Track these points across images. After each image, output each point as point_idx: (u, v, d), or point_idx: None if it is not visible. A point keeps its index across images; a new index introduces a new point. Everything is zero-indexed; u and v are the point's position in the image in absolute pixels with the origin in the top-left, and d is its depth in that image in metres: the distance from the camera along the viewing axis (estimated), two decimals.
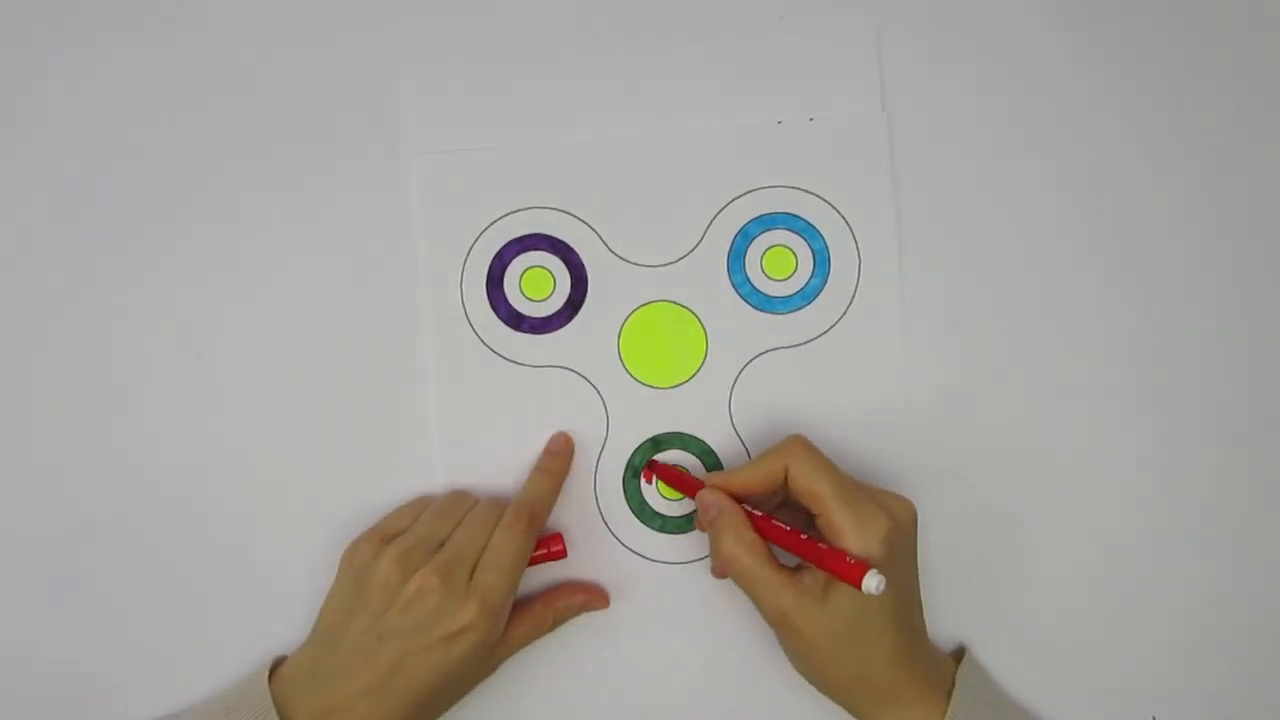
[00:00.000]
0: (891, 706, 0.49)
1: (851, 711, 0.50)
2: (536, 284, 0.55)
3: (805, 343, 0.55)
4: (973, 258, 0.55)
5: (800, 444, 0.50)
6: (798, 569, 0.48)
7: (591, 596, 0.54)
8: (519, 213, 0.55)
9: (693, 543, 0.55)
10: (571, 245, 0.55)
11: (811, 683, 0.50)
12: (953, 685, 0.50)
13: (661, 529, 0.55)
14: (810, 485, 0.49)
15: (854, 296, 0.55)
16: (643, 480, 0.55)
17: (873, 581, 0.44)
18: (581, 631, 0.55)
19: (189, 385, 0.54)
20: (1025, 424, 0.55)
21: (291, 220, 0.54)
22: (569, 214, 0.55)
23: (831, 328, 0.55)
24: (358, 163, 0.54)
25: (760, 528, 0.49)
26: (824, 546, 0.47)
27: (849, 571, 0.45)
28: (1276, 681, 0.56)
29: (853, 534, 0.47)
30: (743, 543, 0.49)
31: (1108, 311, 0.56)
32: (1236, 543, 0.56)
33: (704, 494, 0.51)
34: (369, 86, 0.55)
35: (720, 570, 0.52)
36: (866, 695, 0.49)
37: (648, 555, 0.55)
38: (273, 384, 0.54)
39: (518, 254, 0.55)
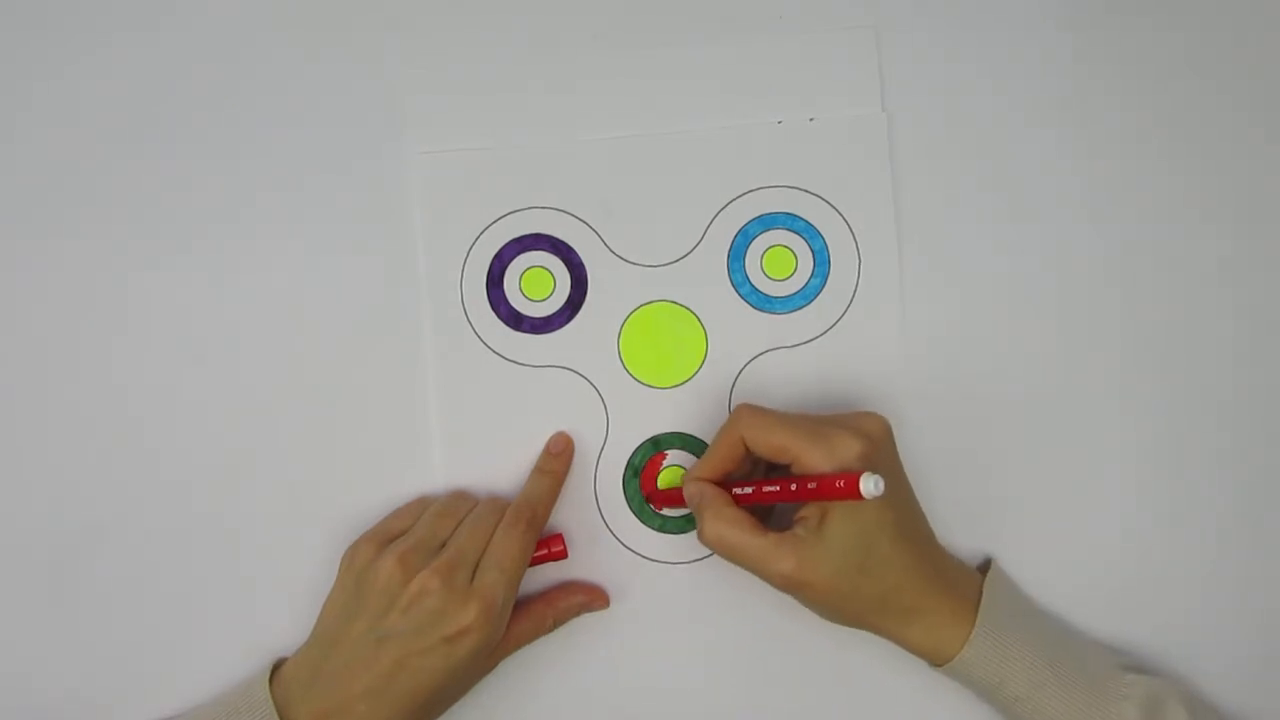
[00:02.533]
0: (919, 620, 0.49)
1: (886, 636, 0.49)
2: (536, 284, 0.55)
3: (805, 343, 0.55)
4: (973, 257, 0.55)
5: (746, 410, 0.50)
6: (786, 528, 0.48)
7: (592, 597, 0.54)
8: (519, 213, 0.55)
9: (693, 543, 0.55)
10: (571, 245, 0.55)
11: (841, 623, 0.50)
12: (980, 596, 0.50)
13: (661, 529, 0.55)
14: (769, 440, 0.48)
15: (854, 296, 0.55)
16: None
17: (869, 483, 0.43)
18: (581, 631, 0.55)
19: (189, 385, 0.54)
20: (1025, 424, 0.55)
21: (291, 220, 0.54)
22: (569, 214, 0.55)
23: (831, 328, 0.55)
24: (358, 163, 0.54)
25: (742, 499, 0.49)
26: (809, 478, 0.46)
27: (845, 487, 0.44)
28: (1277, 683, 0.56)
29: (826, 465, 0.47)
30: (723, 519, 0.48)
31: (1108, 311, 0.56)
32: (1238, 544, 0.56)
33: (686, 488, 0.51)
34: (369, 86, 0.55)
35: (713, 547, 0.51)
36: (894, 615, 0.49)
37: (648, 555, 0.55)
38: (272, 384, 0.54)
39: (518, 254, 0.55)
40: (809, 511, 0.48)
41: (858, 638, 0.51)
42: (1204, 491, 0.56)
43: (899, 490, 0.49)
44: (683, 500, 0.53)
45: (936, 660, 0.50)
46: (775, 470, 0.51)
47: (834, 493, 0.45)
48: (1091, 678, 0.49)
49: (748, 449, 0.49)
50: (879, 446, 0.48)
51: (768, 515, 0.52)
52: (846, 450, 0.47)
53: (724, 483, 0.51)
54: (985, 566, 0.53)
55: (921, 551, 0.49)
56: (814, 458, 0.47)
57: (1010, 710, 0.50)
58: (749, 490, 0.49)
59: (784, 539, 0.47)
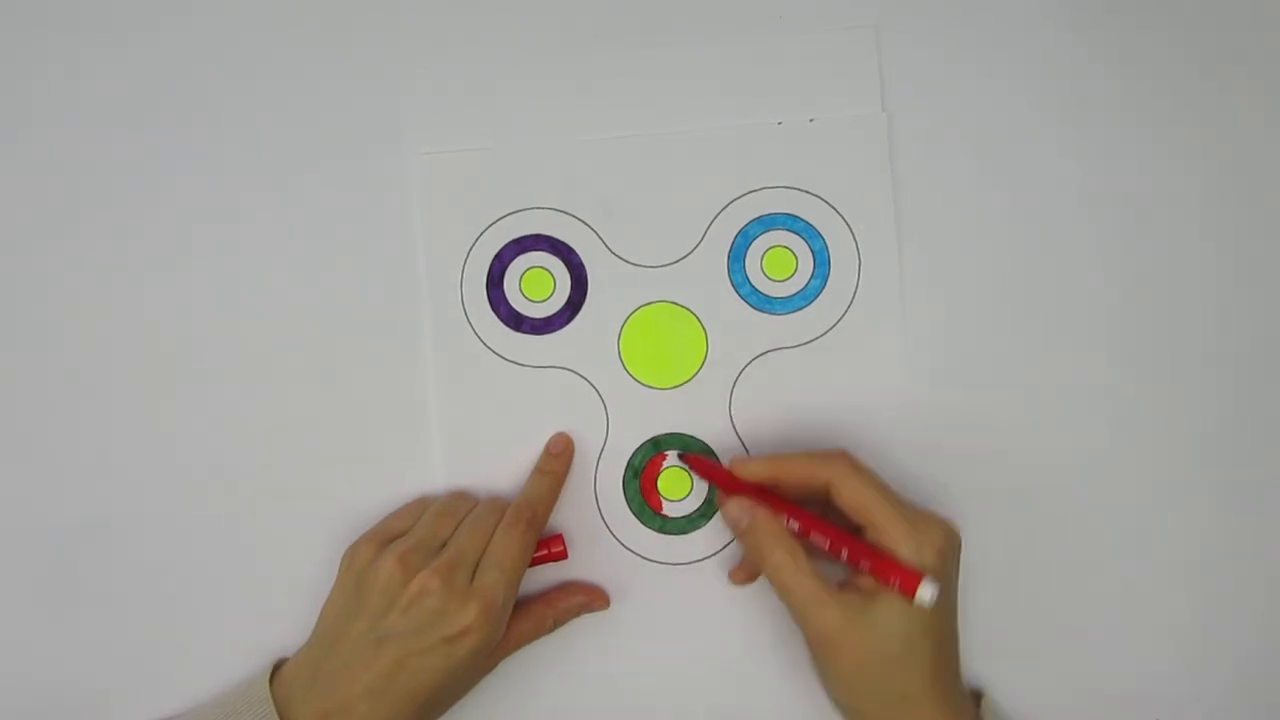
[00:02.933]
0: None
1: None
2: (536, 284, 0.55)
3: (805, 343, 0.55)
4: (973, 258, 0.55)
5: (847, 459, 0.49)
6: (840, 585, 0.48)
7: (592, 597, 0.54)
8: (519, 213, 0.55)
9: (693, 543, 0.55)
10: (571, 245, 0.55)
11: (846, 708, 0.49)
12: None
13: (661, 529, 0.55)
14: (859, 497, 0.48)
15: (854, 296, 0.55)
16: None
17: (928, 592, 0.43)
18: (581, 631, 0.55)
19: (189, 385, 0.54)
20: (1025, 424, 0.55)
21: (291, 220, 0.54)
22: (569, 214, 0.55)
23: (831, 328, 0.55)
24: (358, 163, 0.54)
25: (805, 529, 0.48)
26: (878, 551, 0.46)
27: (904, 578, 0.44)
28: (1277, 682, 0.56)
29: (907, 541, 0.46)
30: (789, 552, 0.48)
31: (1109, 311, 0.56)
32: (1237, 544, 0.56)
33: (731, 506, 0.50)
34: (369, 86, 0.54)
35: (743, 576, 0.51)
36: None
37: (648, 555, 0.55)
38: (272, 384, 0.54)
39: (518, 254, 0.55)
40: (867, 581, 0.47)
41: None
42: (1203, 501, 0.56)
43: (952, 601, 0.49)
44: (710, 471, 0.53)
45: None
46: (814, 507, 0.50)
47: (893, 573, 0.45)
48: None
49: (820, 491, 0.49)
50: (954, 546, 0.48)
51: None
52: (931, 535, 0.47)
53: (772, 497, 0.50)
54: (978, 695, 0.53)
55: (947, 668, 0.48)
56: (897, 528, 0.47)
57: None
58: (795, 525, 0.49)
59: (837, 596, 0.47)
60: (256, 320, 0.54)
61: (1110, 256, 0.56)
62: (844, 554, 0.47)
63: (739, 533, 0.50)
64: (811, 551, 0.48)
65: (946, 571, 0.47)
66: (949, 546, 0.47)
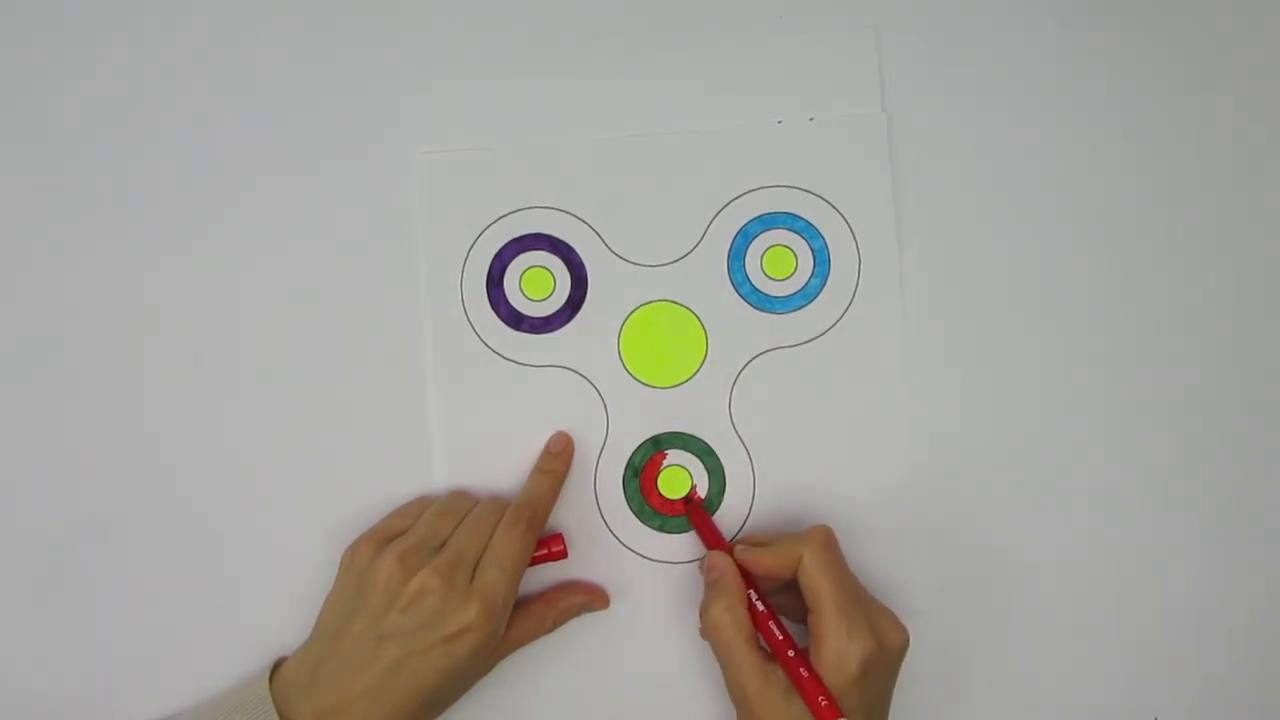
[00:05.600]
0: None
1: None
2: (536, 284, 0.55)
3: (805, 343, 0.55)
4: (973, 257, 0.55)
5: (822, 536, 0.50)
6: (773, 659, 0.49)
7: (592, 597, 0.54)
8: (519, 213, 0.55)
9: (693, 543, 0.55)
10: (571, 245, 0.55)
11: None
12: None
13: (661, 529, 0.55)
14: (814, 582, 0.49)
15: (854, 296, 0.55)
16: (644, 481, 0.55)
17: None
18: (581, 631, 0.55)
19: (189, 385, 0.54)
20: (1025, 424, 0.55)
21: (291, 220, 0.54)
22: (569, 214, 0.55)
23: (831, 328, 0.55)
24: (358, 163, 0.54)
25: (757, 619, 0.49)
26: (804, 674, 0.47)
27: (819, 711, 0.46)
28: (1277, 683, 0.56)
29: (834, 643, 0.47)
30: (731, 614, 0.49)
31: (1107, 312, 0.56)
32: (1236, 544, 0.56)
33: (713, 556, 0.51)
34: (369, 86, 0.55)
35: (705, 632, 0.52)
36: None
37: (648, 555, 0.55)
38: (272, 384, 0.54)
39: (518, 254, 0.55)
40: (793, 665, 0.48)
41: None
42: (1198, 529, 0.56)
43: (879, 705, 0.49)
44: (706, 529, 0.53)
45: None
46: (791, 589, 0.51)
47: (812, 703, 0.46)
48: None
49: (795, 568, 0.49)
50: (886, 659, 0.48)
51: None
52: (859, 645, 0.47)
53: (745, 569, 0.51)
54: None
55: None
56: (832, 626, 0.47)
57: None
58: (762, 609, 0.50)
59: (765, 666, 0.48)
60: (256, 320, 0.54)
61: (1109, 256, 0.56)
62: (790, 654, 0.48)
63: (708, 582, 0.51)
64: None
65: (868, 681, 0.47)
66: (879, 656, 0.48)
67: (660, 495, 0.55)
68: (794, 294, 0.55)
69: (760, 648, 0.49)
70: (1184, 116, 0.56)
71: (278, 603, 0.53)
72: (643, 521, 0.55)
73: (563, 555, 0.54)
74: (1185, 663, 0.56)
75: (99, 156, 0.54)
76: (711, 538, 0.53)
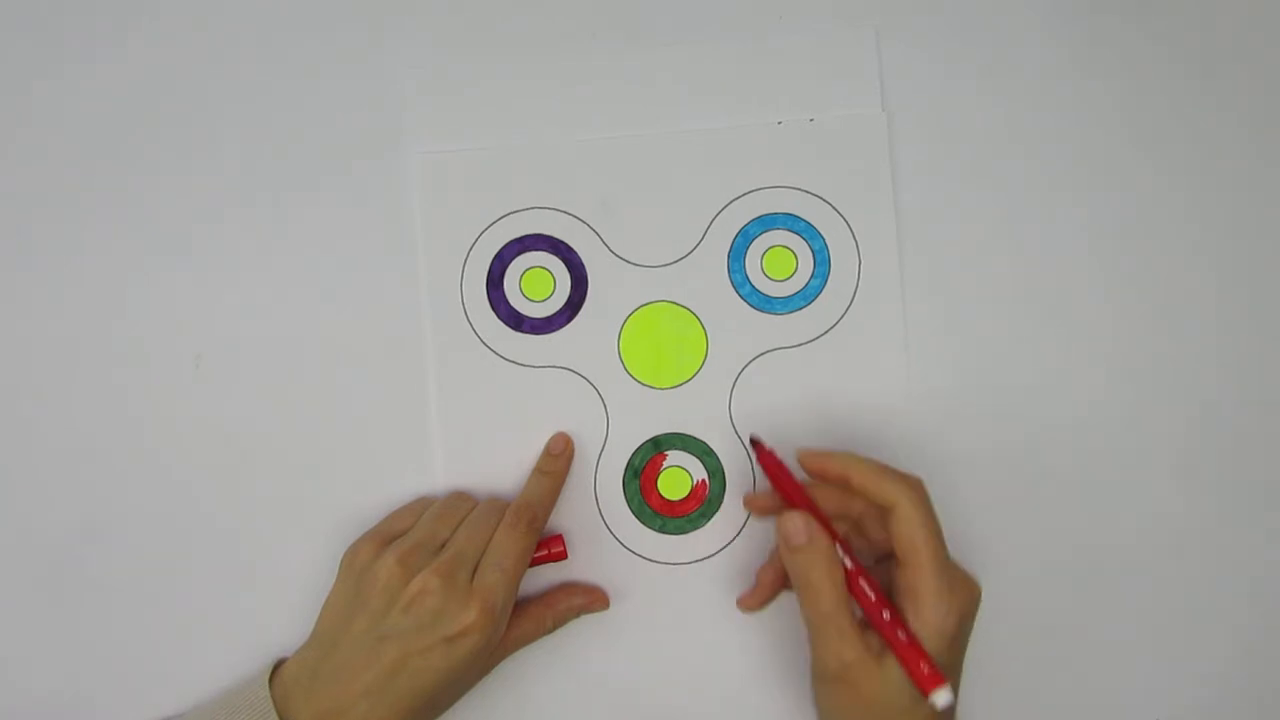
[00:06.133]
0: None
1: None
2: (536, 284, 0.55)
3: (805, 343, 0.55)
4: (972, 257, 0.55)
5: (921, 492, 0.48)
6: (862, 623, 0.47)
7: (592, 598, 0.54)
8: (519, 213, 0.55)
9: (692, 543, 0.55)
10: (571, 245, 0.55)
11: None
12: None
13: (661, 529, 0.55)
14: (913, 533, 0.47)
15: (854, 296, 0.55)
16: (644, 482, 0.55)
17: (942, 698, 0.43)
18: (581, 631, 0.55)
19: (189, 385, 0.54)
20: (1026, 424, 0.55)
21: (291, 220, 0.54)
22: (569, 214, 0.55)
23: (831, 328, 0.55)
24: (358, 163, 0.54)
25: (854, 576, 0.47)
26: (902, 638, 0.45)
27: (926, 675, 0.44)
28: (1277, 683, 0.56)
29: (934, 601, 0.46)
30: (832, 580, 0.47)
31: (1108, 311, 0.56)
32: (1236, 544, 0.56)
33: (793, 519, 0.48)
34: (370, 87, 0.55)
35: (755, 602, 0.51)
36: None
37: (648, 555, 0.55)
38: (272, 384, 0.54)
39: (518, 254, 0.55)
40: (889, 629, 0.47)
41: None
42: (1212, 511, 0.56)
43: (958, 667, 0.48)
44: (781, 478, 0.51)
45: None
46: (857, 534, 0.49)
47: (911, 665, 0.44)
48: None
49: (876, 508, 0.48)
50: (973, 617, 0.47)
51: None
52: (961, 599, 0.46)
53: (821, 516, 0.49)
54: None
55: None
56: (934, 583, 0.46)
57: None
58: (849, 565, 0.48)
59: (861, 634, 0.46)
60: (256, 320, 0.54)
61: (1109, 256, 0.56)
62: (886, 615, 0.46)
63: (789, 548, 0.48)
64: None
65: (963, 637, 0.47)
66: (971, 611, 0.47)
67: (660, 496, 0.55)
68: (794, 294, 0.55)
69: (854, 617, 0.47)
70: (1184, 116, 0.56)
71: (278, 603, 0.53)
72: (643, 522, 0.55)
73: (563, 556, 0.54)
74: (1185, 663, 0.56)
75: (99, 156, 0.54)
76: (789, 489, 0.50)
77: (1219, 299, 0.56)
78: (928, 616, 0.46)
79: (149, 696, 0.54)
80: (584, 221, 0.55)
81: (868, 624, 0.47)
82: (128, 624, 0.54)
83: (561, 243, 0.55)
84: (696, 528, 0.55)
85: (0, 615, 0.54)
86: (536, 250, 0.55)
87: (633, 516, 0.55)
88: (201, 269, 0.54)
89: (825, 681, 0.47)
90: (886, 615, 0.46)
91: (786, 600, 0.53)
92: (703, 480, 0.55)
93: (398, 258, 0.55)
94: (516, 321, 0.55)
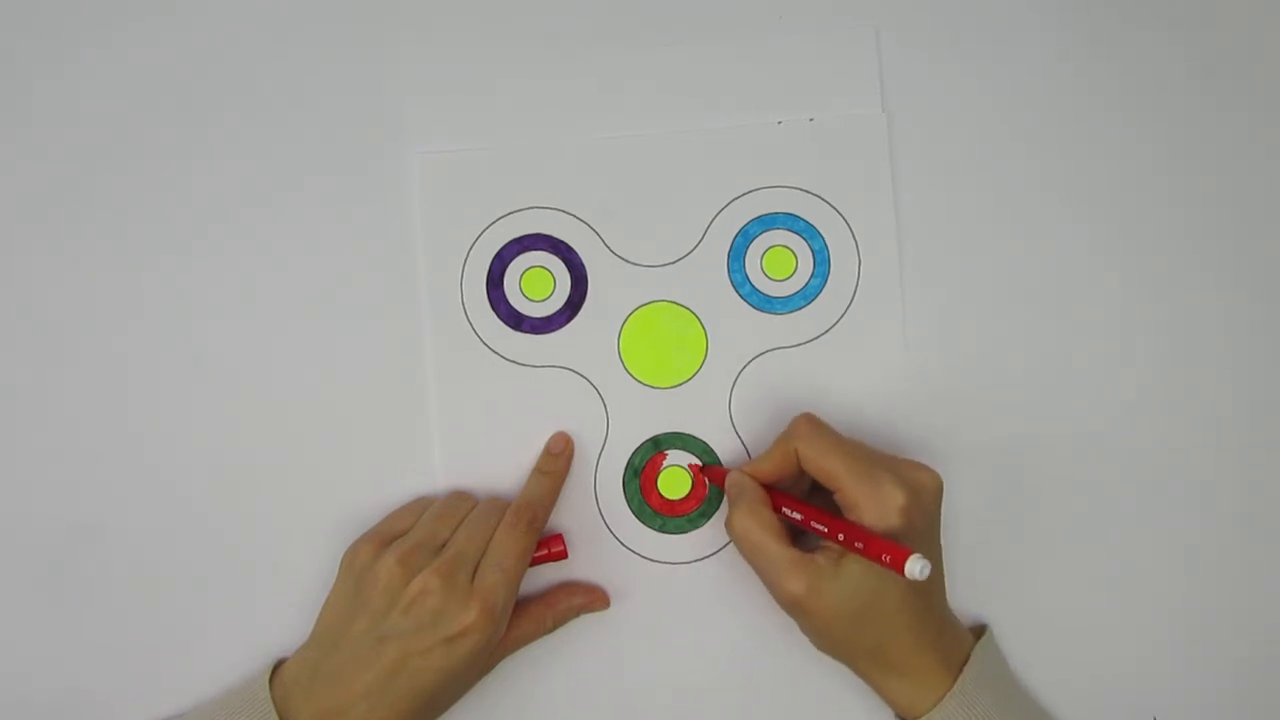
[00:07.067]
0: (904, 676, 0.49)
1: (865, 679, 0.50)
2: (536, 284, 0.55)
3: (805, 343, 0.55)
4: (972, 257, 0.55)
5: (806, 423, 0.50)
6: (811, 549, 0.48)
7: (592, 598, 0.54)
8: (519, 213, 0.55)
9: (692, 543, 0.55)
10: (571, 245, 0.55)
11: (827, 653, 0.50)
12: (966, 660, 0.50)
13: (661, 529, 0.55)
14: (820, 463, 0.49)
15: (854, 296, 0.55)
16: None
17: (915, 566, 0.43)
18: (581, 631, 0.54)
19: (189, 385, 0.54)
20: (1026, 424, 0.55)
21: (291, 220, 0.54)
22: (569, 214, 0.55)
23: (831, 328, 0.55)
24: (357, 163, 0.54)
25: (787, 519, 0.49)
26: (858, 535, 0.46)
27: (890, 560, 0.44)
28: (1277, 683, 0.56)
29: (868, 507, 0.47)
30: (755, 516, 0.49)
31: (1108, 311, 0.56)
32: (1236, 544, 0.56)
33: (730, 475, 0.51)
34: (369, 87, 0.55)
35: (737, 544, 0.51)
36: (882, 665, 0.49)
37: (648, 555, 0.55)
38: (272, 384, 0.54)
39: (518, 254, 0.55)
40: (833, 544, 0.48)
41: None
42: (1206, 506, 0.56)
43: (930, 552, 0.49)
44: (718, 477, 0.53)
45: (905, 715, 0.50)
46: (820, 492, 0.50)
47: (879, 560, 0.45)
48: None
49: (800, 463, 0.50)
50: (924, 503, 0.48)
51: (800, 532, 0.51)
52: (891, 499, 0.47)
53: (774, 491, 0.51)
54: (980, 631, 0.53)
55: (927, 613, 0.49)
56: (857, 493, 0.47)
57: None
58: (798, 516, 0.49)
59: (803, 560, 0.47)
60: (256, 320, 0.54)
61: (1109, 255, 0.56)
62: (840, 538, 0.47)
63: (730, 499, 0.51)
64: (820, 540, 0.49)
65: (914, 529, 0.47)
66: (915, 503, 0.47)
67: (660, 495, 0.55)
68: (794, 294, 0.55)
69: (794, 544, 0.48)
70: (1184, 116, 0.56)
71: (278, 603, 0.53)
72: (643, 522, 0.55)
73: (563, 556, 0.54)
74: (1185, 663, 0.56)
75: (99, 157, 0.54)
76: (722, 475, 0.53)
77: (1220, 298, 0.56)
78: (868, 521, 0.47)
79: (149, 696, 0.54)
80: (584, 221, 0.55)
81: (816, 550, 0.48)
82: (128, 624, 0.54)
83: (561, 242, 0.55)
84: (696, 527, 0.55)
85: (0, 615, 0.54)
86: (536, 250, 0.55)
87: (633, 516, 0.55)
88: (201, 269, 0.54)
89: (790, 612, 0.49)
90: (842, 536, 0.47)
91: None
92: (702, 480, 0.55)
93: (398, 257, 0.55)
94: (516, 321, 0.55)
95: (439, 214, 0.55)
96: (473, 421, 0.55)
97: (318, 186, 0.54)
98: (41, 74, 0.54)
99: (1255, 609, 0.56)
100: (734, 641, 0.55)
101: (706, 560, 0.55)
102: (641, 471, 0.55)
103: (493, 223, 0.55)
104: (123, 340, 0.54)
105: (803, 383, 0.55)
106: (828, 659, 0.51)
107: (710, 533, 0.55)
